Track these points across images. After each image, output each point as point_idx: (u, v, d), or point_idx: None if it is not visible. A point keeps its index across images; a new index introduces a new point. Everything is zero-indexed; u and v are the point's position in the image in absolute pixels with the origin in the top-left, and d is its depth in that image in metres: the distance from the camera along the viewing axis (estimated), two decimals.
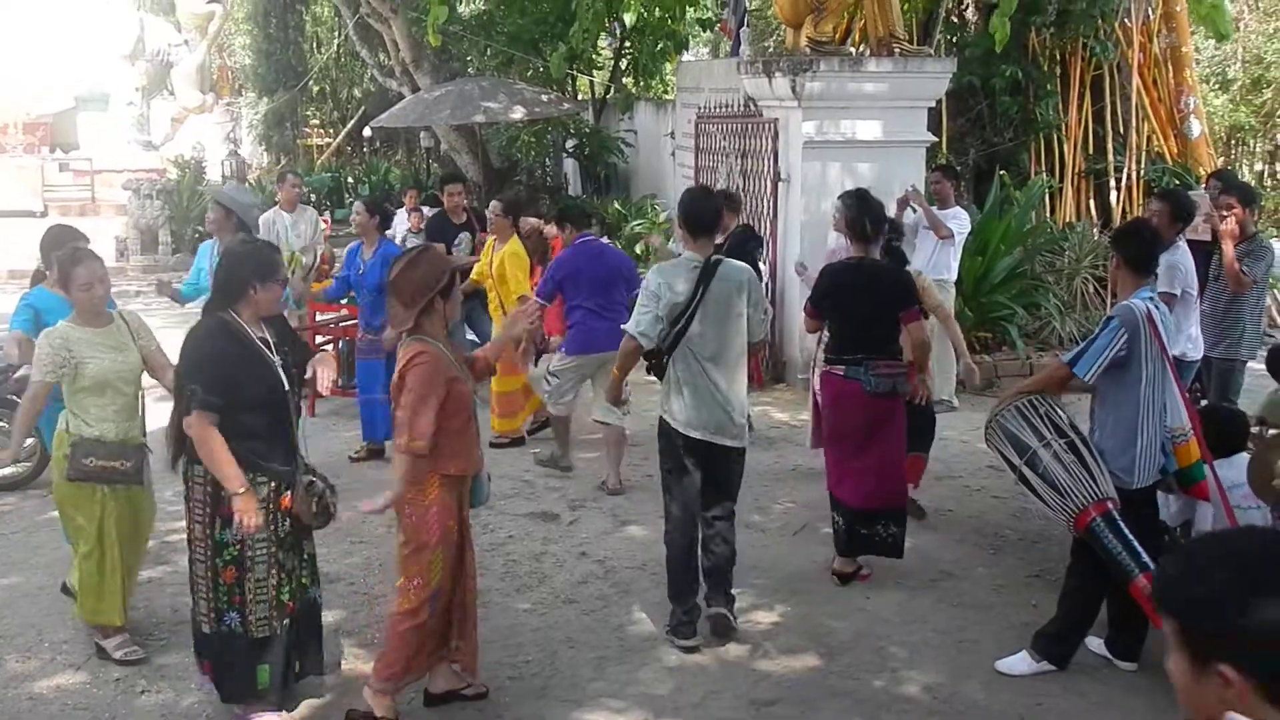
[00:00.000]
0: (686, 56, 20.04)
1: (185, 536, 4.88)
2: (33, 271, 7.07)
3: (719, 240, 7.17)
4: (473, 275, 8.91)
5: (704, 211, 5.68)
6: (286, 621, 4.81)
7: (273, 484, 4.74)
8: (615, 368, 5.92)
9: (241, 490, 4.57)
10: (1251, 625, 1.72)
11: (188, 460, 4.72)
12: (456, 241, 10.14)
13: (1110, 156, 13.71)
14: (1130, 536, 4.95)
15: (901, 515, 6.35)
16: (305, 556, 4.95)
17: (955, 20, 14.40)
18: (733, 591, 5.78)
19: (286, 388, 4.78)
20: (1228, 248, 7.48)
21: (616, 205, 16.05)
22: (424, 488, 4.71)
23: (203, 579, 4.74)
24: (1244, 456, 5.32)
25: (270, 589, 4.74)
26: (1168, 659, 1.86)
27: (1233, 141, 22.80)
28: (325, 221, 13.68)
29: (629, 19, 17.13)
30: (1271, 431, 5.95)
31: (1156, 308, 5.16)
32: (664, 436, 5.68)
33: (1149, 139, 14.01)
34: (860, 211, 6.34)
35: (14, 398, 7.83)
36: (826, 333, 6.56)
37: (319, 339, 9.83)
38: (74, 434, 5.30)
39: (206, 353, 4.65)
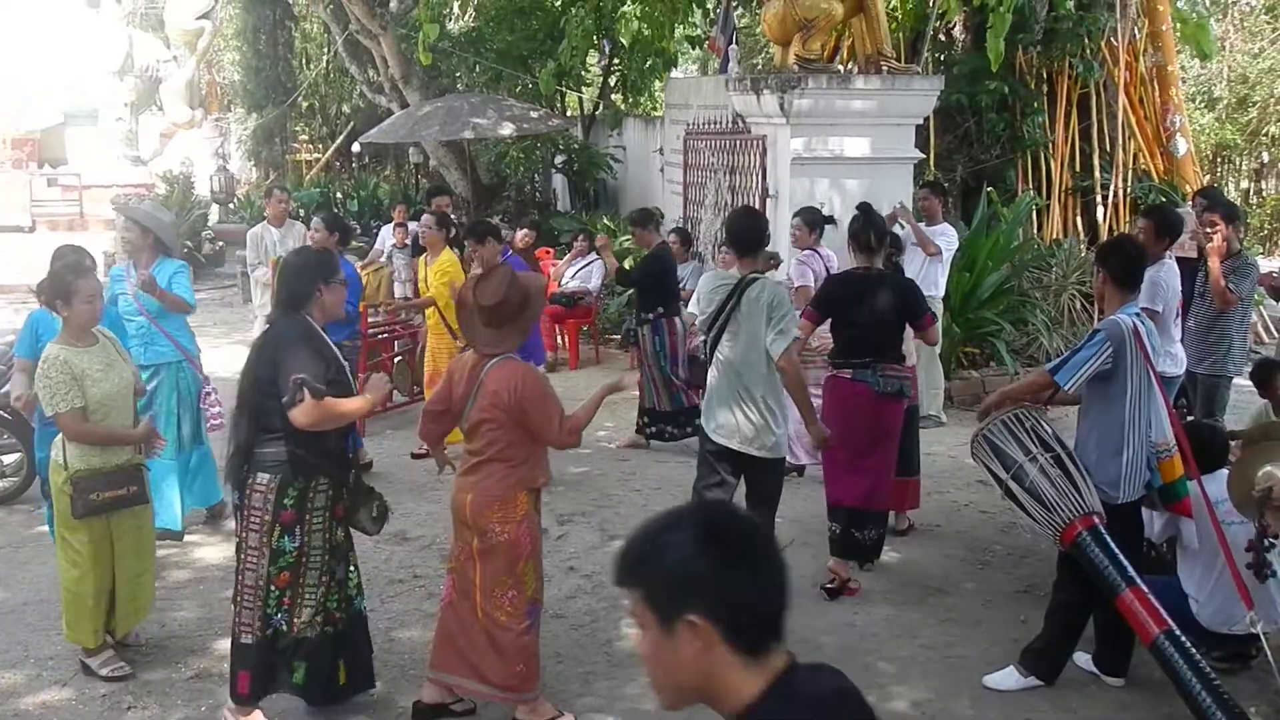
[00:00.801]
0: (675, 73, 20.11)
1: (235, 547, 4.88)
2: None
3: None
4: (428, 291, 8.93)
5: (747, 231, 6.01)
6: (329, 629, 4.87)
7: (331, 490, 4.81)
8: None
9: (366, 403, 4.89)
10: (704, 567, 1.86)
11: (248, 469, 4.75)
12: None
13: (1097, 174, 13.78)
14: (1116, 551, 4.97)
15: (884, 518, 6.59)
16: (351, 567, 5.03)
17: (943, 39, 14.47)
18: None
19: (353, 391, 4.89)
20: (1214, 265, 7.52)
21: (605, 221, 16.07)
22: (514, 503, 4.82)
23: (250, 588, 4.77)
24: (1226, 472, 5.34)
25: (319, 597, 4.81)
26: (635, 642, 2.00)
27: (1219, 159, 22.96)
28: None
29: (624, 38, 17.23)
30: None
31: (1142, 323, 5.19)
32: (699, 442, 6.02)
33: (1135, 157, 14.08)
34: (865, 225, 6.59)
35: (3, 413, 7.82)
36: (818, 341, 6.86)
37: None
38: (72, 467, 5.24)
39: (301, 347, 4.73)
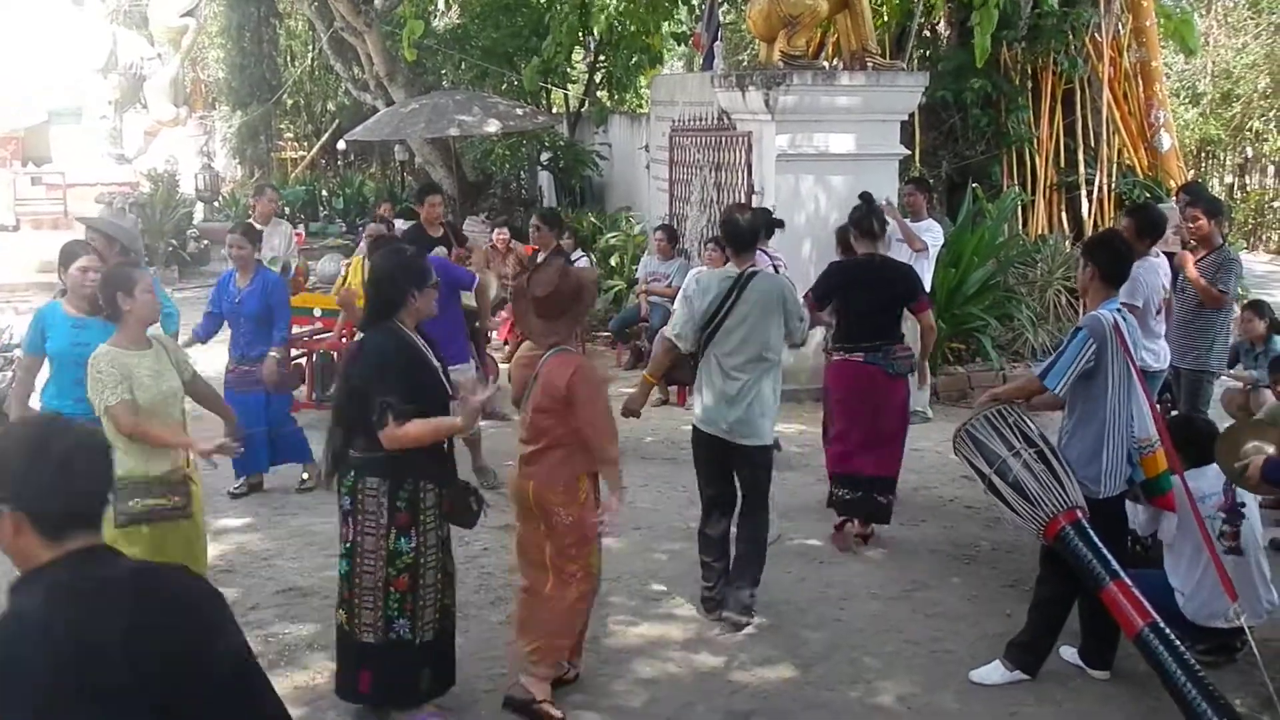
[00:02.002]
0: (661, 69, 20.11)
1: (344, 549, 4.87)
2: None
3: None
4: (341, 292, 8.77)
5: (744, 230, 6.14)
6: (446, 624, 4.98)
7: (437, 489, 4.84)
8: (647, 372, 6.40)
9: (453, 425, 4.76)
10: (15, 467, 2.29)
11: (356, 474, 4.76)
12: (431, 254, 10.08)
13: (1081, 169, 13.82)
14: (1100, 544, 4.99)
15: (894, 484, 7.10)
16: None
17: (928, 35, 14.50)
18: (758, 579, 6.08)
19: (450, 393, 4.91)
20: (1189, 271, 7.56)
21: (591, 218, 16.07)
22: (576, 487, 4.97)
23: (370, 590, 4.78)
24: (1213, 467, 5.37)
25: (436, 594, 4.88)
26: None
27: (1203, 154, 23.06)
28: (299, 235, 13.65)
29: (599, 32, 17.20)
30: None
31: (1124, 318, 5.21)
32: (692, 434, 6.16)
33: (1120, 152, 14.12)
34: (868, 213, 7.11)
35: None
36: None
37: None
38: (117, 473, 5.14)
39: (391, 363, 4.74)
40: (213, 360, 8.34)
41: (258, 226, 10.26)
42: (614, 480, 4.97)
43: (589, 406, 4.85)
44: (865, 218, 7.04)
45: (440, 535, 4.88)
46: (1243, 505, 5.39)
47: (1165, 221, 7.51)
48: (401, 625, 4.79)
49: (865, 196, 7.38)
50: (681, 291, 6.12)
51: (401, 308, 4.83)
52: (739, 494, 6.07)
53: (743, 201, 10.13)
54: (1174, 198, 10.67)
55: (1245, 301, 8.01)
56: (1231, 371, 7.68)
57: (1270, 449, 4.96)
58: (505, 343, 12.24)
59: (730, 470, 6.05)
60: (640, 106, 20.41)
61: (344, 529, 4.85)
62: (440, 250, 10.18)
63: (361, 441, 4.75)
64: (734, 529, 6.07)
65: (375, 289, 4.96)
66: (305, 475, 8.19)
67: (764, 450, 6.02)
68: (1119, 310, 5.24)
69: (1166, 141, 14.35)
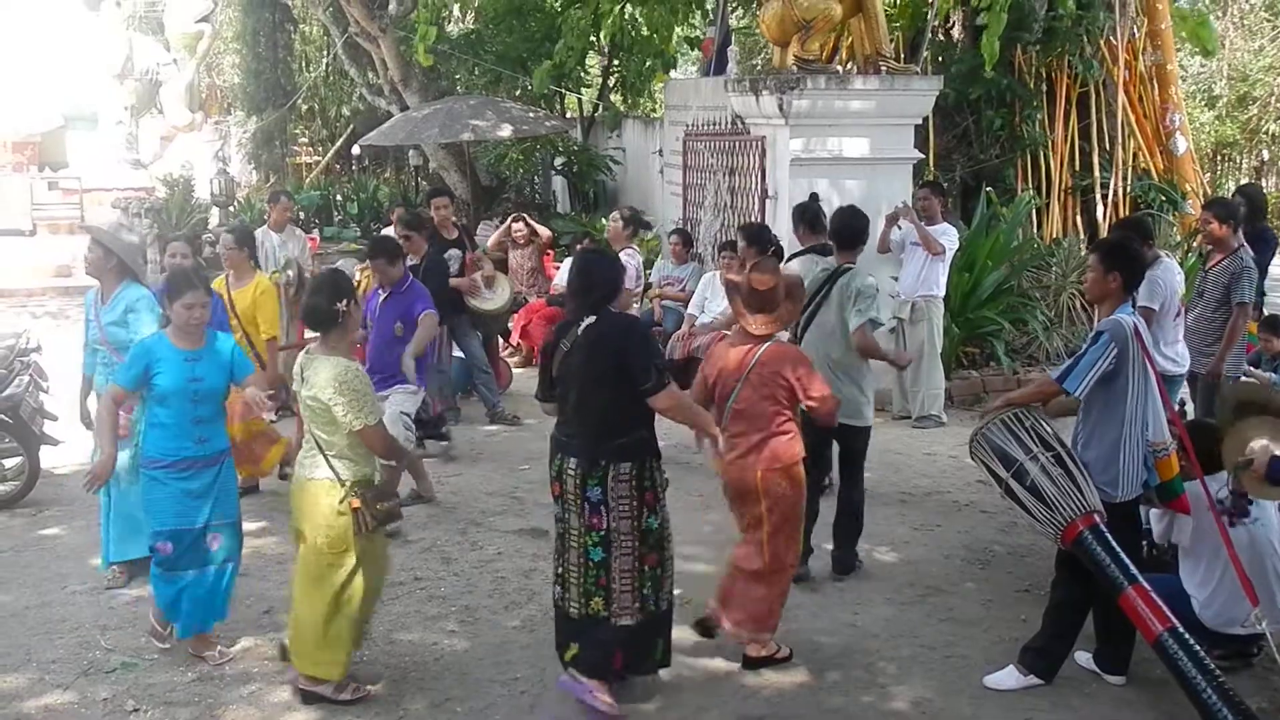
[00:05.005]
0: (674, 74, 20.10)
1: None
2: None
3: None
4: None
5: (850, 227, 6.76)
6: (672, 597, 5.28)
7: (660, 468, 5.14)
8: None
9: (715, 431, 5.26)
10: None
11: (607, 463, 4.94)
12: (446, 256, 10.11)
13: (1096, 173, 13.77)
14: (1118, 549, 4.98)
15: None
16: None
17: (942, 39, 14.47)
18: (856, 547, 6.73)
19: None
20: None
21: (605, 222, 16.07)
22: (796, 467, 5.47)
23: (628, 572, 5.01)
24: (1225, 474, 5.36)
25: (671, 565, 5.21)
26: None
27: (1219, 157, 22.97)
28: (313, 241, 13.70)
29: (611, 36, 17.20)
30: None
31: (1140, 322, 5.22)
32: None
33: (1135, 155, 14.06)
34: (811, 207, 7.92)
35: (4, 418, 7.83)
36: None
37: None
38: (349, 480, 5.06)
39: (648, 335, 5.28)
40: None
41: (273, 233, 10.34)
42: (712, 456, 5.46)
43: (809, 380, 5.39)
44: (808, 209, 7.79)
45: (666, 509, 5.17)
46: (1251, 502, 5.35)
47: (1151, 232, 7.61)
48: (650, 599, 5.07)
49: (814, 196, 8.30)
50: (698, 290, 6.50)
51: (615, 300, 5.16)
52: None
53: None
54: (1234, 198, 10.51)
55: (1262, 318, 8.00)
56: (1250, 369, 7.66)
57: (1278, 450, 4.95)
58: (517, 346, 12.28)
59: (828, 447, 6.62)
60: (654, 111, 20.40)
61: (594, 519, 5.00)
62: (454, 254, 10.22)
63: (617, 427, 4.96)
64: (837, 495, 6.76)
65: (595, 279, 5.13)
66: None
67: (864, 429, 6.66)
68: (1135, 315, 5.24)
69: (1182, 145, 14.30)
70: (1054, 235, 13.44)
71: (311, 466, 5.15)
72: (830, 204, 9.98)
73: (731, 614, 5.51)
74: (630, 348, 4.95)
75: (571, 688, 5.07)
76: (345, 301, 5.16)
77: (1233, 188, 21.62)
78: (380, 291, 7.96)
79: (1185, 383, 7.86)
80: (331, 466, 5.08)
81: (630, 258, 8.95)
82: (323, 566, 5.10)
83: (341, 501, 5.05)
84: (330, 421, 5.05)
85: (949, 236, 9.91)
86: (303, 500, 5.17)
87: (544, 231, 12.55)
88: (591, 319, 5.03)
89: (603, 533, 4.98)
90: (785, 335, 6.03)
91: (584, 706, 5.03)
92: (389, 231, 12.73)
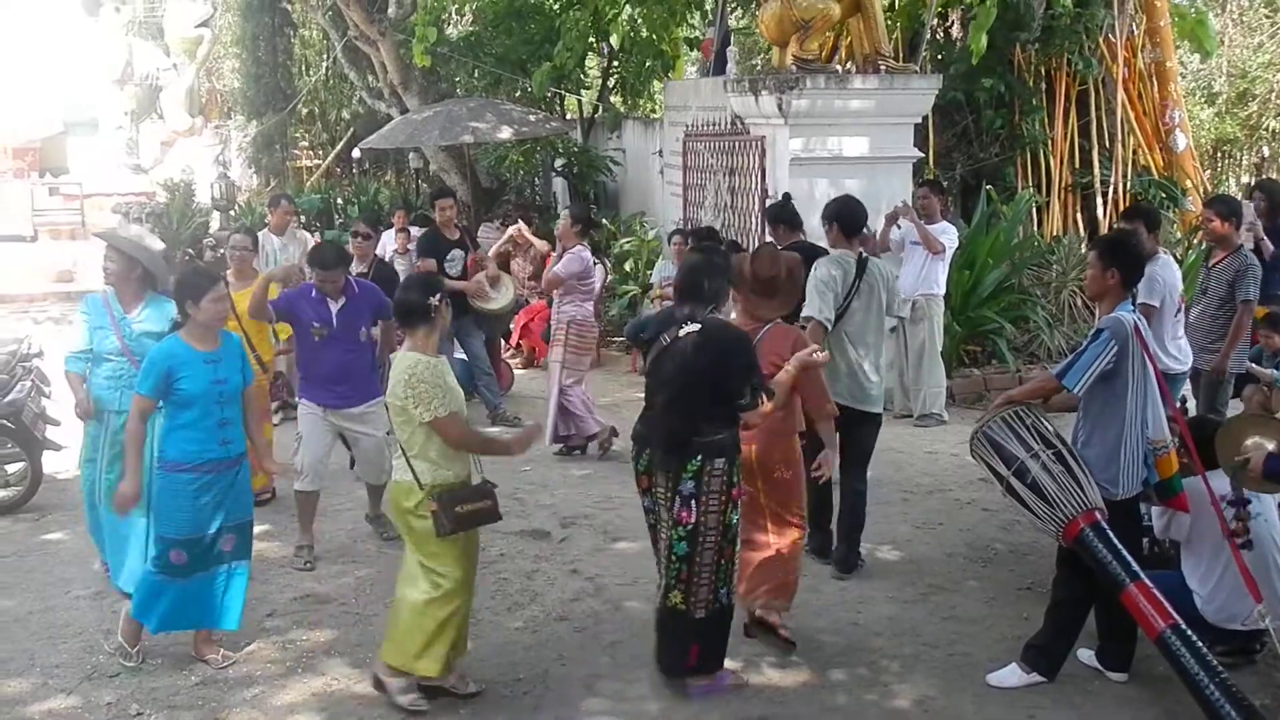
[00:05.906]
0: (674, 76, 20.09)
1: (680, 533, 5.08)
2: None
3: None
4: None
5: (855, 217, 6.87)
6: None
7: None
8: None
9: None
10: None
11: (703, 457, 5.02)
12: (450, 258, 10.11)
13: (1096, 170, 13.75)
14: (1120, 546, 4.98)
15: None
16: None
17: (941, 37, 14.47)
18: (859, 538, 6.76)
19: None
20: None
21: (606, 223, 16.07)
22: (792, 446, 5.64)
23: (708, 565, 5.09)
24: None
25: (737, 558, 5.31)
26: None
27: (1219, 154, 22.91)
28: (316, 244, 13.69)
29: (615, 40, 17.20)
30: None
31: (1140, 319, 5.22)
32: None
33: (1135, 153, 14.05)
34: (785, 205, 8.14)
35: (6, 423, 7.83)
36: None
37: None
38: (427, 483, 5.00)
39: (751, 350, 5.22)
40: None
41: (274, 236, 10.35)
42: (830, 435, 5.74)
43: (811, 370, 5.48)
44: (785, 208, 8.04)
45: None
46: (1248, 503, 5.34)
47: (1159, 222, 7.58)
48: (724, 593, 5.17)
49: (786, 195, 8.60)
50: (816, 278, 6.52)
51: (723, 303, 5.26)
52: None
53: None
54: (1249, 196, 10.49)
55: (1265, 315, 7.98)
56: (1253, 365, 7.64)
57: (1271, 445, 4.95)
58: (517, 347, 12.28)
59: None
60: (654, 112, 20.40)
61: (683, 512, 5.05)
62: (458, 255, 10.24)
63: (707, 426, 5.03)
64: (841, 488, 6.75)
65: (703, 278, 5.18)
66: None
67: (878, 417, 6.82)
68: (1134, 312, 5.24)
69: (1182, 142, 14.29)
70: (1054, 233, 13.44)
71: (398, 467, 5.18)
72: None
73: (758, 592, 5.63)
74: (732, 369, 5.04)
75: (708, 690, 5.24)
76: (438, 297, 5.15)
77: (1233, 184, 21.66)
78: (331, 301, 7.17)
79: (1188, 380, 7.86)
80: (411, 468, 5.05)
81: (579, 252, 9.04)
82: (414, 565, 5.14)
83: (418, 505, 5.03)
84: (407, 419, 5.03)
85: (949, 235, 9.92)
86: (391, 500, 5.27)
87: (540, 244, 12.47)
88: (695, 327, 5.06)
89: (689, 526, 5.05)
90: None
91: (722, 690, 5.25)
92: (388, 234, 12.78)
